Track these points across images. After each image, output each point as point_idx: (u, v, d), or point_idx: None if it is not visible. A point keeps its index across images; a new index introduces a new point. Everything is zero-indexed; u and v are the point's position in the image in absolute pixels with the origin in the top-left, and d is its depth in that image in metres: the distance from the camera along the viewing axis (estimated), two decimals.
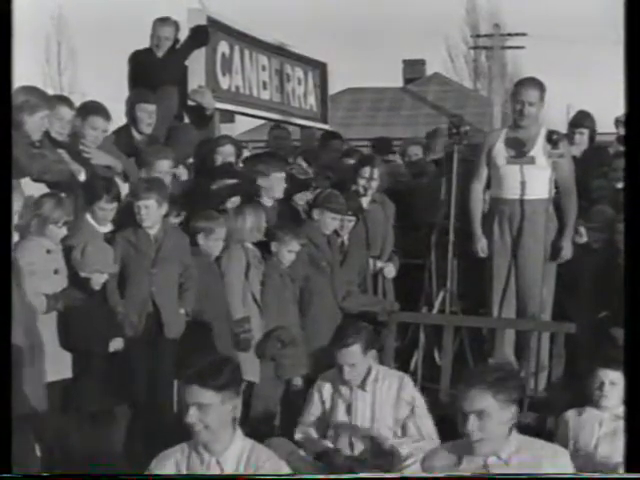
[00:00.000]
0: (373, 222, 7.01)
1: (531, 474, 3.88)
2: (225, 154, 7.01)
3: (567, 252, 6.66)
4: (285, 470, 3.99)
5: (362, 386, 5.21)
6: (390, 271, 7.04)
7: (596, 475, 4.14)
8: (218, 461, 3.87)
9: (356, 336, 5.14)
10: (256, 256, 6.24)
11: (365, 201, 7.03)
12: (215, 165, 7.01)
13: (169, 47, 7.77)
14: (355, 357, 5.12)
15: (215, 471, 3.87)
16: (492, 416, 3.84)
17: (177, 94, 7.74)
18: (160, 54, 7.74)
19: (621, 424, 4.66)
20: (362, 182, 7.04)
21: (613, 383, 4.87)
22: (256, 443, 3.98)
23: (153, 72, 7.62)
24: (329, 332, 6.28)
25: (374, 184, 7.06)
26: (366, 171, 7.06)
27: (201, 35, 7.82)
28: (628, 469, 4.03)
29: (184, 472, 3.88)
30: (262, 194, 6.69)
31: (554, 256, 6.65)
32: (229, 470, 3.86)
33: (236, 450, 3.89)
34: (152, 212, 5.88)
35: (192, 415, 3.75)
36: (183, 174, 7.06)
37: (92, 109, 6.55)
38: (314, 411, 5.34)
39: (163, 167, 6.51)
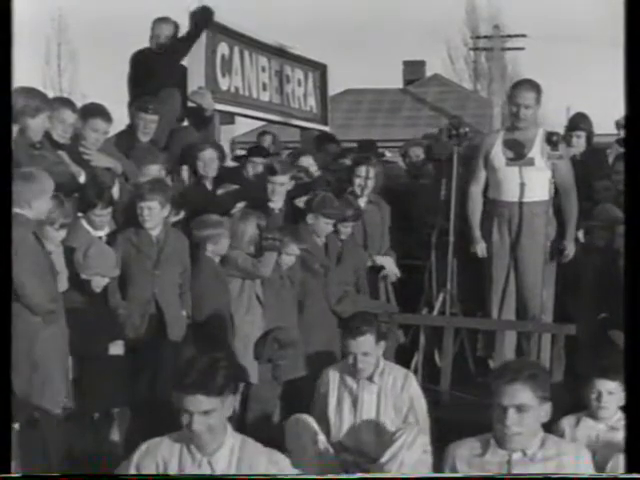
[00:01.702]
0: (370, 223, 7.01)
1: (532, 474, 3.90)
2: (206, 159, 7.00)
3: (570, 252, 6.65)
4: (282, 459, 3.99)
5: (370, 378, 5.21)
6: (389, 262, 7.02)
7: (596, 475, 4.14)
8: (209, 461, 3.88)
9: (369, 326, 5.14)
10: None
11: (362, 201, 7.02)
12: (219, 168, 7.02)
13: (169, 46, 7.78)
14: (369, 345, 5.12)
15: (206, 471, 3.88)
16: (530, 411, 3.89)
17: (179, 95, 7.74)
18: (160, 53, 7.75)
19: (616, 435, 4.70)
20: (358, 181, 7.03)
21: (611, 393, 4.84)
22: (245, 438, 3.98)
23: (155, 69, 7.62)
24: (321, 336, 6.33)
25: (370, 183, 7.05)
26: (361, 170, 7.06)
27: (202, 16, 7.82)
28: (628, 469, 4.04)
29: (175, 469, 3.88)
30: (269, 198, 6.70)
31: (556, 256, 6.63)
32: (220, 470, 3.87)
33: (227, 449, 3.90)
34: (155, 214, 5.89)
35: (198, 422, 3.77)
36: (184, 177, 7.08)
37: (93, 111, 6.55)
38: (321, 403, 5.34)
39: (151, 172, 6.49)
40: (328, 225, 6.60)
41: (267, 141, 9.08)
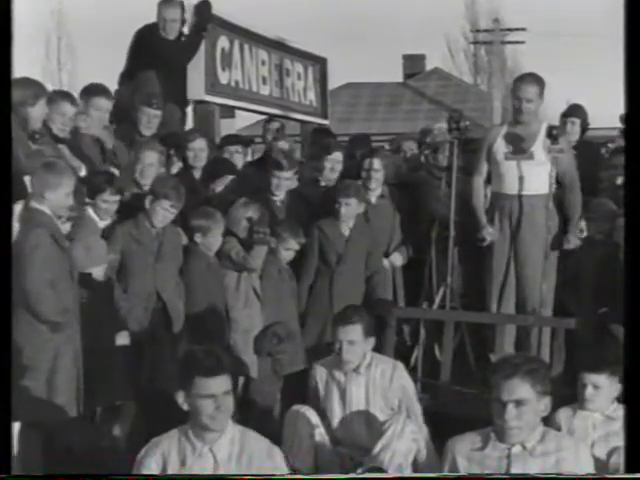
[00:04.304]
0: (381, 217, 6.95)
1: (529, 474, 3.91)
2: (196, 149, 6.97)
3: (573, 245, 6.64)
4: (278, 455, 4.03)
5: (356, 370, 5.25)
6: (397, 259, 6.97)
7: (596, 475, 4.14)
8: (211, 449, 3.92)
9: (359, 317, 5.22)
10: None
11: (373, 195, 6.98)
12: (213, 164, 7.00)
13: (178, 30, 7.82)
14: (356, 335, 5.17)
15: (207, 459, 3.92)
16: (529, 405, 3.90)
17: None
18: (170, 37, 7.79)
19: (614, 425, 4.70)
20: (364, 174, 7.00)
21: (597, 387, 4.84)
22: (246, 429, 4.03)
23: (155, 53, 7.68)
24: (323, 328, 6.33)
25: (379, 176, 7.01)
26: (369, 163, 7.01)
27: (205, 9, 7.87)
28: (628, 469, 4.04)
29: (175, 461, 3.92)
30: (273, 192, 6.70)
31: (558, 246, 6.62)
32: (222, 458, 3.91)
33: (228, 438, 3.95)
34: (167, 215, 5.90)
35: (224, 404, 3.85)
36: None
37: (95, 91, 6.67)
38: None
39: (148, 158, 6.46)
40: (350, 207, 6.54)
41: (272, 130, 8.94)
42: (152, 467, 3.93)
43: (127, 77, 7.77)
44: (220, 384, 3.85)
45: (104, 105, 6.63)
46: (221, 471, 3.90)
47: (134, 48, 7.80)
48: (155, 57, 7.67)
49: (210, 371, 3.85)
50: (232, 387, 3.92)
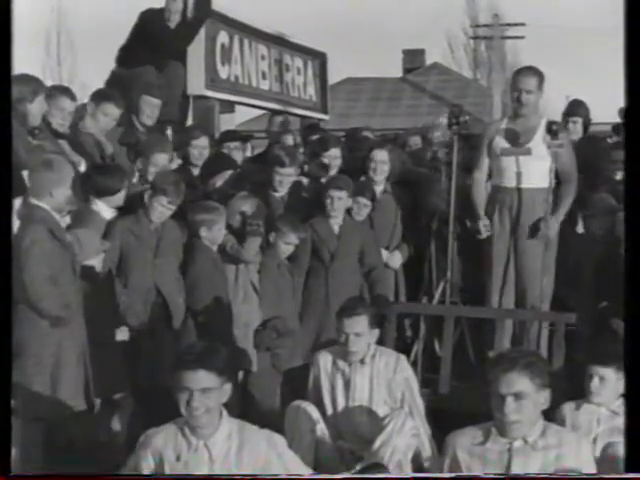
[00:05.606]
0: (384, 212, 6.93)
1: (528, 474, 3.91)
2: (200, 147, 6.96)
3: (551, 231, 6.59)
4: (280, 442, 4.03)
5: (362, 360, 5.25)
6: (395, 260, 6.98)
7: (596, 475, 4.13)
8: (206, 444, 3.92)
9: (364, 308, 5.23)
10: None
11: (377, 190, 6.94)
12: (214, 159, 6.99)
13: (179, 22, 7.85)
14: (362, 327, 5.17)
15: (203, 454, 3.91)
16: (529, 398, 3.89)
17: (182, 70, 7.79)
18: (171, 25, 7.84)
19: (619, 421, 4.68)
20: (372, 166, 6.95)
21: (603, 379, 4.84)
22: (244, 423, 4.02)
23: (158, 39, 7.74)
24: (321, 324, 6.33)
25: (386, 168, 6.98)
26: (375, 155, 6.97)
27: (204, 4, 7.90)
28: (628, 469, 4.04)
29: (171, 455, 3.91)
30: (275, 188, 6.70)
31: (534, 233, 6.59)
32: (217, 454, 3.90)
33: (224, 433, 3.93)
34: (164, 212, 5.90)
35: (198, 400, 3.81)
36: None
37: (106, 96, 6.71)
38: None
39: (159, 160, 6.44)
40: (341, 200, 6.56)
41: (276, 123, 8.90)
42: (149, 459, 3.95)
43: (125, 53, 7.86)
44: (196, 380, 3.82)
45: (113, 112, 6.66)
46: (218, 467, 3.89)
47: (137, 27, 7.86)
48: (154, 41, 7.69)
49: (186, 364, 3.84)
50: (218, 387, 3.87)
